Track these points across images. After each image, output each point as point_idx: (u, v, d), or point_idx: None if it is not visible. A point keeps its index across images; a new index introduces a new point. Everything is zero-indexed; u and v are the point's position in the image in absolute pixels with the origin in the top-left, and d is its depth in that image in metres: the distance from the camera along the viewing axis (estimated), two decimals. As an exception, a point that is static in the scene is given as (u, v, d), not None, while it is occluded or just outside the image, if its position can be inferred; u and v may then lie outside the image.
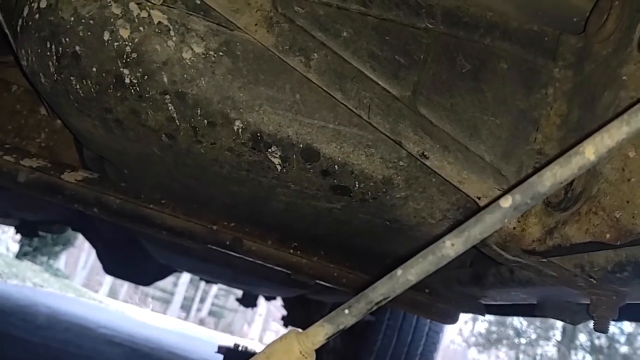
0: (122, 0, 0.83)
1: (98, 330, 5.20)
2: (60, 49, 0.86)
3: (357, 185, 0.93)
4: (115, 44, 0.83)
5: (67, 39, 0.85)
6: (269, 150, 0.90)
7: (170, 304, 25.23)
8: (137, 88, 0.86)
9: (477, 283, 1.19)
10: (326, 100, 0.86)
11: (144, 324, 8.89)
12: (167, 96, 0.86)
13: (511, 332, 17.73)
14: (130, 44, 0.83)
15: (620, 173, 0.69)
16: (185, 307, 26.23)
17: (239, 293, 4.84)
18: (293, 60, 0.83)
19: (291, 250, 1.34)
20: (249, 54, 0.85)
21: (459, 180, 0.85)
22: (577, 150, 0.49)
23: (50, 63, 0.88)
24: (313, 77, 0.83)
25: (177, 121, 0.89)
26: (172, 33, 0.83)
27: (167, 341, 6.67)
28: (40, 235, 4.37)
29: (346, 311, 0.55)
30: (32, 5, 0.86)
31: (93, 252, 4.11)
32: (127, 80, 0.85)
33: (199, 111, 0.87)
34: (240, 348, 3.41)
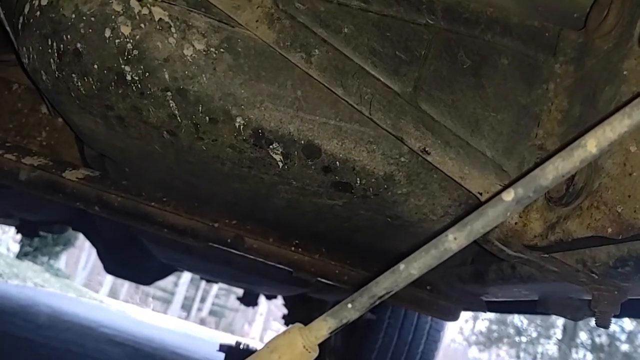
0: (123, -3, 0.83)
1: (99, 330, 5.20)
2: (62, 46, 0.86)
3: (358, 182, 0.93)
4: (117, 41, 0.83)
5: (69, 36, 0.85)
6: (271, 146, 0.90)
7: (171, 304, 25.24)
8: (139, 85, 0.86)
9: (478, 280, 1.19)
10: (327, 97, 0.86)
11: (145, 324, 8.89)
12: (169, 93, 0.86)
13: (512, 331, 17.73)
14: (131, 41, 0.83)
15: (621, 167, 0.69)
16: (186, 307, 26.25)
17: (240, 292, 4.84)
18: (294, 57, 0.83)
19: (293, 248, 1.34)
20: (250, 50, 0.85)
21: (460, 176, 0.85)
22: (579, 143, 0.49)
23: (52, 60, 0.88)
24: (314, 73, 0.83)
25: (178, 118, 0.89)
26: (173, 30, 0.83)
27: (169, 341, 6.67)
28: (40, 235, 4.38)
29: (349, 305, 0.56)
30: (33, 2, 0.86)
31: (94, 252, 4.11)
32: (129, 77, 0.85)
33: (200, 108, 0.87)
34: (242, 346, 3.42)
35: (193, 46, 0.84)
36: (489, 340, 18.18)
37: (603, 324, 0.89)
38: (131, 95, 0.87)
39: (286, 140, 0.89)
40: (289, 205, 1.08)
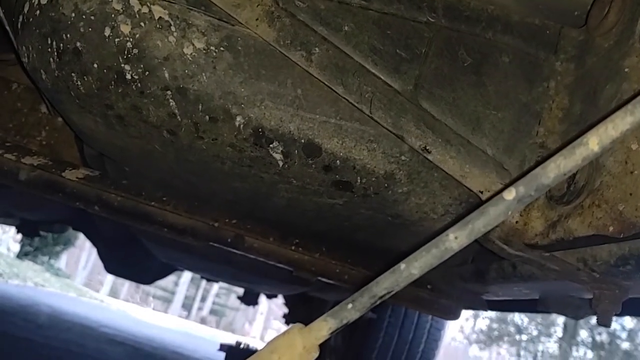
0: (123, -5, 0.83)
1: (100, 330, 5.20)
2: (61, 45, 0.85)
3: (359, 181, 0.93)
4: (116, 39, 0.83)
5: (68, 35, 0.84)
6: (271, 145, 0.90)
7: (171, 303, 25.25)
8: (139, 84, 0.86)
9: (479, 279, 1.18)
10: (328, 95, 0.86)
11: (146, 323, 8.90)
12: (169, 92, 0.86)
13: (512, 329, 17.74)
14: (131, 39, 0.83)
15: (623, 166, 0.69)
16: (187, 306, 26.26)
17: (241, 291, 4.84)
18: (294, 55, 0.82)
19: (293, 247, 1.34)
20: (250, 49, 0.85)
21: (461, 174, 0.85)
22: (581, 141, 0.49)
23: (51, 59, 0.88)
24: (314, 71, 0.83)
25: (178, 117, 0.89)
26: (173, 28, 0.83)
27: (170, 340, 6.67)
28: (41, 235, 4.37)
29: (350, 305, 0.55)
30: (33, 1, 0.86)
31: (94, 251, 4.11)
32: (128, 76, 0.85)
33: (200, 107, 0.87)
34: (242, 346, 3.42)
35: (193, 45, 0.84)
36: (489, 339, 18.19)
37: (604, 322, 0.89)
38: (131, 94, 0.87)
39: (286, 139, 0.88)
40: (289, 204, 1.08)
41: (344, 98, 0.83)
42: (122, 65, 0.84)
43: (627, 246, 0.77)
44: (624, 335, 15.07)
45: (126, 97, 0.88)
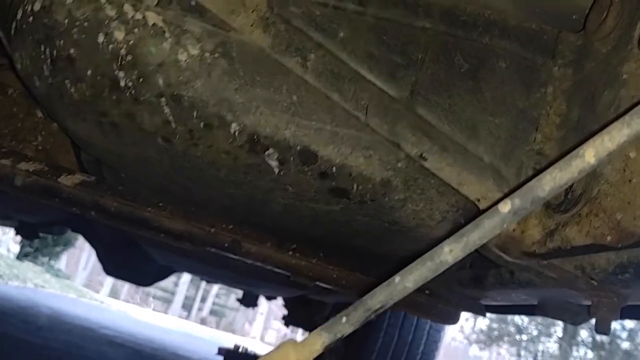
0: (117, 2, 0.82)
1: (100, 331, 5.20)
2: (55, 52, 0.85)
3: (355, 188, 0.92)
4: (110, 46, 0.82)
5: (62, 42, 0.84)
6: (266, 152, 0.89)
7: (171, 304, 25.26)
8: (133, 91, 0.85)
9: (477, 284, 1.18)
10: (323, 102, 0.85)
11: (146, 324, 8.89)
12: (163, 99, 0.85)
13: (512, 329, 17.74)
14: (125, 46, 0.82)
15: (621, 174, 0.69)
16: (187, 307, 26.27)
17: (240, 293, 4.83)
18: (289, 62, 0.82)
19: (290, 252, 1.33)
20: (245, 55, 0.84)
21: (458, 181, 0.84)
22: (577, 153, 0.48)
23: (45, 66, 0.87)
24: (310, 78, 0.82)
25: (173, 124, 0.88)
26: (167, 35, 0.82)
27: (170, 341, 6.67)
28: (40, 236, 4.37)
29: (344, 319, 0.55)
30: (26, 8, 0.85)
31: (94, 252, 4.11)
32: (122, 83, 0.84)
33: (195, 114, 0.86)
34: (240, 349, 3.41)
35: (187, 51, 0.83)
36: (489, 339, 18.19)
37: (603, 330, 0.88)
38: (125, 101, 0.86)
39: (282, 146, 0.88)
40: (285, 210, 1.08)
41: (340, 105, 0.83)
42: (116, 72, 0.84)
43: (625, 254, 0.76)
44: (624, 335, 15.07)
45: (120, 104, 0.87)
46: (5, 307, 4.67)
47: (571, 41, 0.90)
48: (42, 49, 0.86)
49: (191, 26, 0.83)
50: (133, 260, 3.61)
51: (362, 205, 0.96)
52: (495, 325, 17.91)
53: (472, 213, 0.93)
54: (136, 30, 0.82)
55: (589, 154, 0.48)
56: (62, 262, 14.61)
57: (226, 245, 1.32)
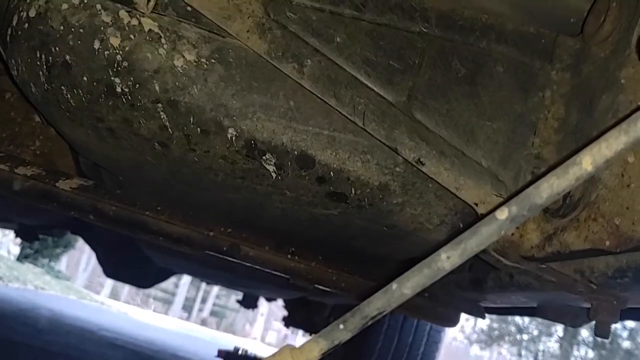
0: (112, 8, 0.82)
1: (100, 333, 5.19)
2: (51, 58, 0.84)
3: (353, 192, 0.92)
4: (106, 52, 0.82)
5: (57, 48, 0.83)
6: (264, 157, 0.89)
7: (172, 305, 25.25)
8: (129, 97, 0.85)
9: (476, 287, 1.18)
10: (320, 107, 0.85)
11: (146, 325, 8.89)
12: (159, 104, 0.85)
13: (513, 329, 17.73)
14: (121, 52, 0.82)
15: (619, 179, 0.68)
16: (187, 308, 26.25)
17: (240, 294, 4.83)
18: (286, 67, 0.81)
19: (289, 256, 1.33)
20: (241, 60, 0.84)
21: (456, 186, 0.84)
22: (574, 160, 0.48)
23: (41, 73, 0.87)
24: (307, 83, 0.82)
25: (169, 129, 0.88)
26: (163, 41, 0.82)
27: (170, 342, 6.66)
28: (40, 238, 4.36)
29: (341, 326, 0.54)
30: (21, 14, 0.85)
31: (94, 254, 4.11)
32: (119, 89, 0.84)
33: (191, 119, 0.86)
34: (240, 352, 3.40)
35: (183, 57, 0.83)
36: (490, 338, 18.18)
37: (603, 334, 0.88)
38: (121, 107, 0.86)
39: (279, 151, 0.87)
40: (283, 215, 1.07)
41: (337, 110, 0.82)
42: (112, 78, 0.83)
43: (624, 258, 0.76)
44: (625, 334, 15.07)
45: (117, 110, 0.87)
46: (5, 309, 4.67)
47: (569, 45, 0.89)
48: (38, 55, 0.86)
49: (187, 32, 0.83)
50: (133, 263, 3.61)
51: (360, 209, 0.96)
52: (496, 325, 17.90)
53: (470, 217, 0.93)
54: (132, 36, 0.82)
55: (587, 162, 0.47)
56: (63, 264, 14.61)
57: (225, 248, 1.31)
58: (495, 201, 0.84)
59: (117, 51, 0.82)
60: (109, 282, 21.55)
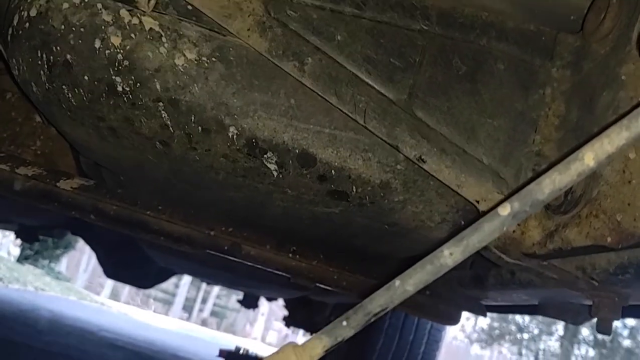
0: (113, 7, 0.82)
1: (100, 334, 5.19)
2: (52, 57, 0.84)
3: (354, 190, 0.92)
4: (107, 51, 0.82)
5: (58, 48, 0.83)
6: (265, 156, 0.89)
7: (172, 305, 25.24)
8: (130, 96, 0.85)
9: (478, 285, 1.18)
10: (321, 105, 0.85)
11: (147, 326, 8.88)
12: (160, 103, 0.85)
13: (514, 328, 17.73)
14: (121, 51, 0.82)
15: (620, 175, 0.68)
16: (187, 308, 26.25)
17: (241, 294, 4.83)
18: (287, 65, 0.82)
19: (290, 254, 1.33)
20: (242, 59, 0.84)
21: (457, 183, 0.84)
22: (576, 156, 0.48)
23: (42, 72, 0.87)
24: (307, 81, 0.82)
25: (171, 128, 0.88)
26: (164, 39, 0.82)
27: (170, 343, 6.66)
28: (40, 239, 4.36)
29: (344, 323, 0.55)
30: (22, 13, 0.85)
31: (94, 254, 4.11)
32: (120, 88, 0.84)
33: (192, 118, 0.86)
34: (241, 351, 3.40)
35: (184, 56, 0.83)
36: (490, 338, 18.18)
37: (604, 330, 0.88)
38: (122, 106, 0.86)
39: (280, 150, 0.87)
40: (285, 213, 1.07)
41: (338, 108, 0.83)
42: (113, 77, 0.83)
43: (625, 255, 0.76)
44: (625, 332, 15.07)
45: (118, 109, 0.87)
46: (5, 310, 4.67)
47: (569, 42, 0.89)
48: (39, 54, 0.86)
49: (188, 31, 0.83)
50: (133, 263, 3.61)
51: (361, 207, 0.96)
52: (496, 324, 17.90)
53: (472, 214, 0.93)
54: (133, 35, 0.82)
55: (589, 157, 0.47)
56: (63, 265, 14.60)
57: (226, 248, 1.31)
58: (497, 198, 0.84)
59: (118, 50, 0.82)
60: (109, 283, 21.54)
